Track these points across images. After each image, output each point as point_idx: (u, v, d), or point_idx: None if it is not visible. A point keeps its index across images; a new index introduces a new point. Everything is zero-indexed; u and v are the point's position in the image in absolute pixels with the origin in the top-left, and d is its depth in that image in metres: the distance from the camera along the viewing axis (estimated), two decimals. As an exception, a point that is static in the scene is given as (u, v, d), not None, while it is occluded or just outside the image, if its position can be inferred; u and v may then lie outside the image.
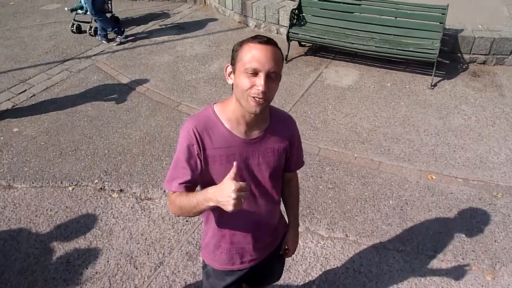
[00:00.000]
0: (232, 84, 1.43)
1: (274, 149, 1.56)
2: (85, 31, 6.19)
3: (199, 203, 1.39)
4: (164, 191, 3.39)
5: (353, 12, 5.29)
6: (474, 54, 5.22)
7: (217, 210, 1.59)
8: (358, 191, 3.39)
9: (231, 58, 1.43)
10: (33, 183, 3.50)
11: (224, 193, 1.26)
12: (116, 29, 5.89)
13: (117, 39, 5.92)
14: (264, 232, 1.70)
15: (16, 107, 4.56)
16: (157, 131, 4.13)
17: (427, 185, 3.44)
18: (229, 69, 1.45)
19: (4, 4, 7.72)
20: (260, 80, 1.33)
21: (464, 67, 5.23)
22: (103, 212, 3.21)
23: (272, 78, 1.37)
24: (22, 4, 7.70)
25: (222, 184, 1.29)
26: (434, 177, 3.52)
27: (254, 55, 1.34)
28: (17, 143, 3.97)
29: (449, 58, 5.26)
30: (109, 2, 6.43)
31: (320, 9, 5.43)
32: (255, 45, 1.35)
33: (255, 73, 1.34)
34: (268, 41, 1.37)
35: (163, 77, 5.09)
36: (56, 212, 3.21)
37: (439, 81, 4.94)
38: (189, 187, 1.49)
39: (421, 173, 3.57)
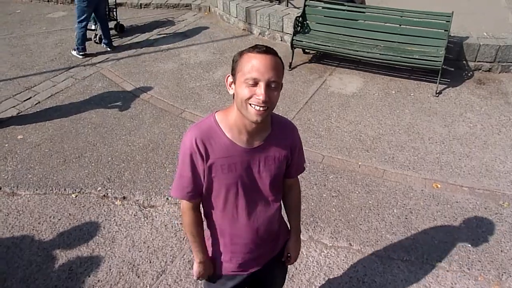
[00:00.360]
0: (233, 94, 1.43)
1: (275, 157, 1.56)
2: (90, 39, 6.23)
3: (193, 250, 1.70)
4: (167, 198, 3.38)
5: (358, 20, 5.30)
6: (479, 61, 5.19)
7: (218, 218, 1.62)
8: (362, 199, 3.37)
9: (232, 68, 1.44)
10: (36, 190, 3.50)
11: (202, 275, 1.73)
12: (81, 46, 5.76)
13: (74, 52, 5.83)
14: (265, 238, 1.69)
15: (21, 114, 4.58)
16: (160, 138, 4.13)
17: (432, 193, 3.41)
18: (230, 79, 1.46)
19: (10, 12, 7.82)
20: (260, 90, 1.34)
21: (469, 74, 5.20)
22: (106, 219, 3.21)
23: (273, 87, 1.37)
24: (28, 12, 7.79)
25: (205, 267, 1.71)
26: (439, 186, 3.48)
27: (253, 65, 1.34)
28: (22, 150, 3.99)
29: (454, 65, 5.24)
30: (114, 10, 6.49)
31: (324, 16, 5.43)
32: (255, 54, 1.36)
33: (255, 83, 1.35)
34: (267, 50, 1.37)
35: (167, 85, 5.11)
36: (59, 219, 3.21)
37: (444, 88, 4.91)
38: (194, 196, 1.56)
39: (426, 182, 3.53)
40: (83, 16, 5.59)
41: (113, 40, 6.30)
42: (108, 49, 6.00)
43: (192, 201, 1.58)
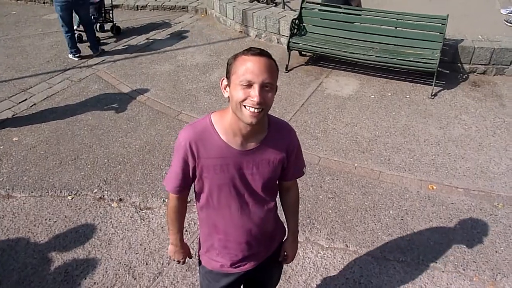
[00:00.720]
0: (228, 97, 1.44)
1: (270, 160, 1.57)
2: (86, 41, 6.21)
3: (168, 231, 1.81)
4: (163, 200, 3.38)
5: (354, 22, 5.32)
6: (474, 64, 5.23)
7: (212, 215, 1.65)
8: (359, 201, 3.38)
9: (226, 71, 1.45)
10: (32, 192, 3.49)
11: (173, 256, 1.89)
12: (73, 49, 5.74)
13: (70, 55, 5.81)
14: (259, 238, 1.71)
15: (16, 116, 4.57)
16: (157, 140, 4.13)
17: (427, 195, 3.43)
18: (225, 82, 1.47)
19: (6, 13, 7.79)
20: (254, 92, 1.35)
21: (464, 77, 5.24)
22: (102, 221, 3.20)
23: (267, 89, 1.38)
24: (24, 13, 7.77)
25: (177, 249, 1.84)
26: (434, 187, 3.50)
27: (248, 67, 1.35)
28: (17, 152, 3.97)
29: (449, 68, 5.27)
30: (110, 12, 6.49)
31: (321, 19, 5.45)
32: (249, 57, 1.37)
33: (249, 85, 1.36)
34: (261, 53, 1.39)
35: (164, 86, 5.11)
36: (55, 221, 3.20)
37: (440, 91, 4.94)
38: (182, 190, 1.62)
39: (422, 183, 3.55)
40: (62, 21, 5.51)
41: (109, 42, 6.31)
42: (92, 53, 5.85)
43: (179, 194, 1.64)
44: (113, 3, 6.67)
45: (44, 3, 8.20)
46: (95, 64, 5.68)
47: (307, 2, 5.49)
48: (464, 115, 4.48)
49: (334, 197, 3.42)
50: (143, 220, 3.21)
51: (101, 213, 3.28)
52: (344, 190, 3.49)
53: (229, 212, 1.60)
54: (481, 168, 3.72)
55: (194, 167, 1.53)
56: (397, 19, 5.07)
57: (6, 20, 7.46)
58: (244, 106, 1.37)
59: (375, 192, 3.46)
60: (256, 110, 1.37)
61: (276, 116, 1.65)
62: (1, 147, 4.05)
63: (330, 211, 3.29)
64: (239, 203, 1.59)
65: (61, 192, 3.49)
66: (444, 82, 5.08)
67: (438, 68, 4.71)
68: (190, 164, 1.52)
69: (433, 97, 4.82)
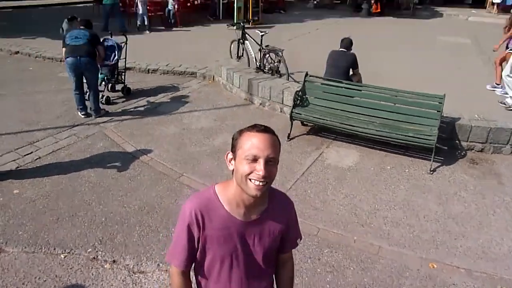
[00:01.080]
0: (233, 170, 1.51)
1: (271, 231, 1.61)
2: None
3: None
4: (158, 264, 3.30)
5: (354, 97, 5.55)
6: (472, 142, 5.35)
7: None
8: (357, 276, 3.29)
9: (231, 146, 1.53)
10: (25, 247, 3.43)
11: None
12: (79, 106, 5.94)
13: (78, 112, 5.98)
14: None
15: (20, 168, 4.61)
16: (156, 201, 4.13)
17: (428, 274, 3.35)
18: (230, 156, 1.54)
19: (23, 69, 8.17)
20: (260, 166, 1.42)
21: (462, 154, 5.34)
22: (93, 283, 3.10)
23: (271, 164, 1.45)
24: (40, 70, 8.15)
25: None
26: (435, 266, 3.43)
27: (253, 143, 1.43)
28: (15, 205, 3.96)
29: (447, 144, 5.39)
30: (123, 73, 6.80)
31: (323, 92, 5.69)
32: (254, 133, 1.46)
33: (254, 159, 1.43)
34: (265, 130, 1.48)
35: (168, 148, 5.20)
36: (45, 280, 3.11)
37: (438, 166, 5.02)
38: (188, 265, 1.61)
39: (422, 261, 3.48)
40: (72, 81, 5.76)
41: (118, 102, 6.54)
42: (92, 116, 5.97)
43: (183, 268, 1.60)
44: (126, 65, 7.02)
45: (60, 61, 8.60)
46: (102, 122, 5.84)
47: (310, 76, 5.77)
48: (463, 192, 4.51)
49: (333, 271, 3.34)
50: (135, 285, 3.11)
51: (92, 275, 3.19)
52: (343, 264, 3.42)
53: (229, 284, 1.60)
54: (482, 248, 3.66)
55: (198, 238, 1.54)
56: (396, 96, 5.29)
57: (23, 75, 7.80)
58: (250, 179, 1.43)
59: (374, 268, 3.38)
60: (261, 183, 1.43)
61: (277, 185, 1.70)
62: (0, 199, 4.04)
63: (327, 285, 3.19)
64: (239, 274, 1.59)
65: (54, 249, 3.42)
66: (442, 158, 5.17)
67: (436, 144, 4.83)
68: (195, 235, 1.54)
69: (432, 172, 4.88)
